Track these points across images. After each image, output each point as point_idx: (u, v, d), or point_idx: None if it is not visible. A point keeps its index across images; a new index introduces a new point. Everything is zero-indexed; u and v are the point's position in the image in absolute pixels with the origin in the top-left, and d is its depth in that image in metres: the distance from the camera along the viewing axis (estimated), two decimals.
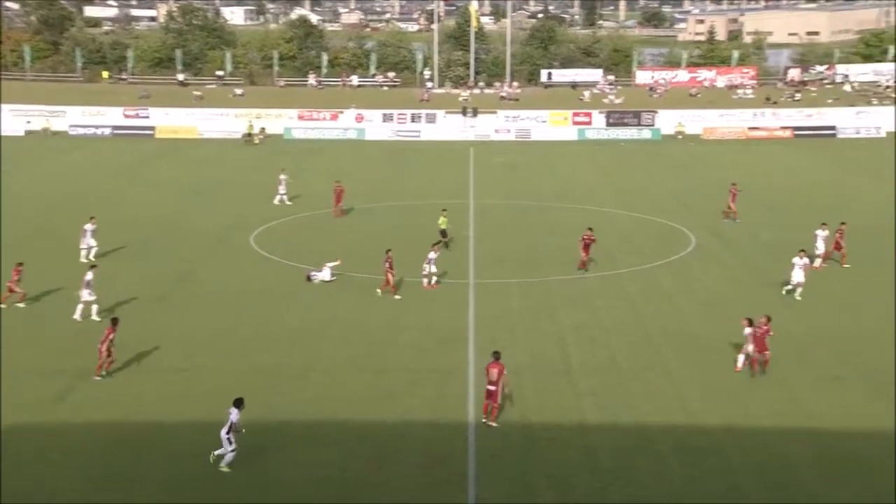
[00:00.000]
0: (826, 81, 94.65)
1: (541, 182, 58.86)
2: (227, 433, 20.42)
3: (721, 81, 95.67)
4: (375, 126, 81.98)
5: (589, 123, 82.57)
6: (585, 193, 54.21)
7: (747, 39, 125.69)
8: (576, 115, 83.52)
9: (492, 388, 22.47)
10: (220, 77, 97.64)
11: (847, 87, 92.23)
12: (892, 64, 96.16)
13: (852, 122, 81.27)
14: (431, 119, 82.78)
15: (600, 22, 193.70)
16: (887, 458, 20.90)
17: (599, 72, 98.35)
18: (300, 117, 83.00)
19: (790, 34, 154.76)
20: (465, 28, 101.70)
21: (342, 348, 28.22)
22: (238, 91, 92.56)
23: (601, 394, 24.74)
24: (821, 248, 36.47)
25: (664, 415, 23.41)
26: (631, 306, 32.42)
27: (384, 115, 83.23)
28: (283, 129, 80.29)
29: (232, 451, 20.39)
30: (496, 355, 22.85)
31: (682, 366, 26.72)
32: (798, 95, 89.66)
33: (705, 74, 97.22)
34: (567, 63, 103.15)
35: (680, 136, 79.70)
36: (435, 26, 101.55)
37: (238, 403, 20.80)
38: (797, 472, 20.52)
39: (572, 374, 26.17)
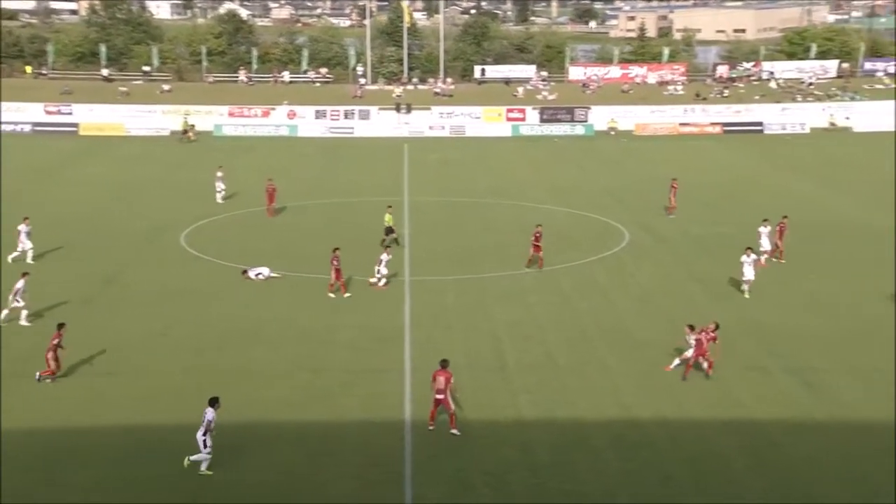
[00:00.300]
0: (753, 78, 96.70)
1: (475, 178, 59.15)
2: (204, 434, 20.19)
3: (652, 78, 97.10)
4: (308, 123, 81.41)
5: (523, 120, 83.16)
6: (520, 190, 54.64)
7: (677, 36, 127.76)
8: (510, 111, 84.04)
9: (439, 396, 22.16)
10: (146, 73, 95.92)
11: (773, 84, 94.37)
12: (815, 62, 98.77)
13: (778, 118, 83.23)
14: (365, 116, 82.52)
15: (533, 18, 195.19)
16: (809, 447, 21.65)
17: (532, 68, 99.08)
18: (231, 114, 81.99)
19: (718, 31, 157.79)
20: (397, 24, 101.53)
21: (278, 348, 28.07)
22: (166, 87, 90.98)
23: (537, 390, 25.03)
24: (765, 244, 36.86)
25: (599, 410, 23.79)
26: (566, 302, 32.82)
27: (317, 111, 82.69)
28: (213, 126, 79.24)
29: (207, 453, 20.20)
30: (444, 363, 22.60)
31: (616, 361, 27.16)
32: (727, 92, 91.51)
33: (637, 71, 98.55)
34: (500, 59, 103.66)
35: (612, 132, 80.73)
36: (367, 22, 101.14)
37: (213, 403, 20.61)
38: (727, 462, 21.06)
39: (508, 372, 26.43)
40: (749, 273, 32.76)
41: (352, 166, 64.20)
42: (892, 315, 30.51)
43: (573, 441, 22.08)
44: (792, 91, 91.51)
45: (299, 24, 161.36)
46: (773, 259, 37.31)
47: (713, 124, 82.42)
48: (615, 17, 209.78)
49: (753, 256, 33.23)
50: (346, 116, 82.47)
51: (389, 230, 40.16)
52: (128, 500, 19.35)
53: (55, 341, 25.23)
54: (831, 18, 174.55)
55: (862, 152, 68.43)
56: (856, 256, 38.45)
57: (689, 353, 25.68)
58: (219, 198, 49.47)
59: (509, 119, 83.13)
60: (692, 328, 25.86)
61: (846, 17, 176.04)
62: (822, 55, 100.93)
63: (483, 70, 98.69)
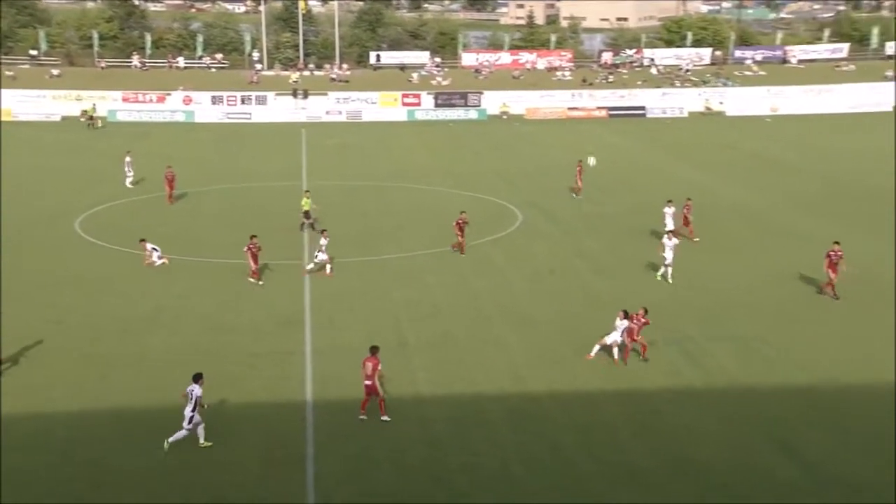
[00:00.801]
0: (635, 65, 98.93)
1: (374, 162, 58.97)
2: (192, 410, 20.18)
3: (541, 64, 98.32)
4: (205, 108, 79.70)
5: (418, 104, 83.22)
6: (418, 173, 54.71)
7: (564, 24, 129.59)
8: (405, 96, 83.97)
9: (368, 382, 21.87)
10: (33, 57, 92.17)
11: (653, 71, 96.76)
12: (691, 49, 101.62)
13: (659, 102, 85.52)
14: (262, 101, 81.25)
15: (426, 5, 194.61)
16: (689, 413, 22.38)
17: (426, 54, 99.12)
18: (125, 99, 79.69)
19: (602, 20, 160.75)
20: (292, 10, 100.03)
21: (178, 334, 27.50)
22: (55, 72, 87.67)
23: (435, 367, 25.22)
24: (669, 224, 36.96)
25: (495, 384, 24.11)
26: (463, 282, 33.08)
27: (213, 97, 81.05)
28: (106, 111, 76.77)
29: (187, 431, 20.18)
30: (373, 350, 22.23)
31: (512, 337, 27.53)
32: (611, 77, 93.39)
33: (527, 57, 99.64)
34: (395, 45, 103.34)
35: (505, 117, 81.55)
36: (262, 8, 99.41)
37: (197, 378, 20.54)
38: (615, 430, 21.63)
39: (407, 350, 26.54)
40: (669, 256, 32.25)
41: (250, 151, 63.18)
42: (768, 287, 31.75)
43: (470, 415, 22.36)
44: (671, 77, 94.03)
45: (193, 10, 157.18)
46: (684, 238, 37.69)
47: (599, 108, 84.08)
48: (505, 5, 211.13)
49: (675, 241, 32.64)
50: (243, 102, 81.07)
51: (307, 214, 39.55)
52: (34, 488, 18.75)
53: None
54: (705, 9, 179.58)
55: (734, 135, 70.79)
56: (733, 234, 39.84)
57: (612, 338, 25.22)
58: (128, 182, 48.36)
59: (405, 104, 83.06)
60: (626, 314, 25.31)
61: (718, 7, 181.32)
62: (697, 43, 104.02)
63: (378, 56, 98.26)
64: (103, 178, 48.73)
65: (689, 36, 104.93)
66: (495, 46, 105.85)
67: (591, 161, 33.30)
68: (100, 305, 29.94)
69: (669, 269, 32.55)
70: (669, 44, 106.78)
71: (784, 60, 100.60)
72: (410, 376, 24.65)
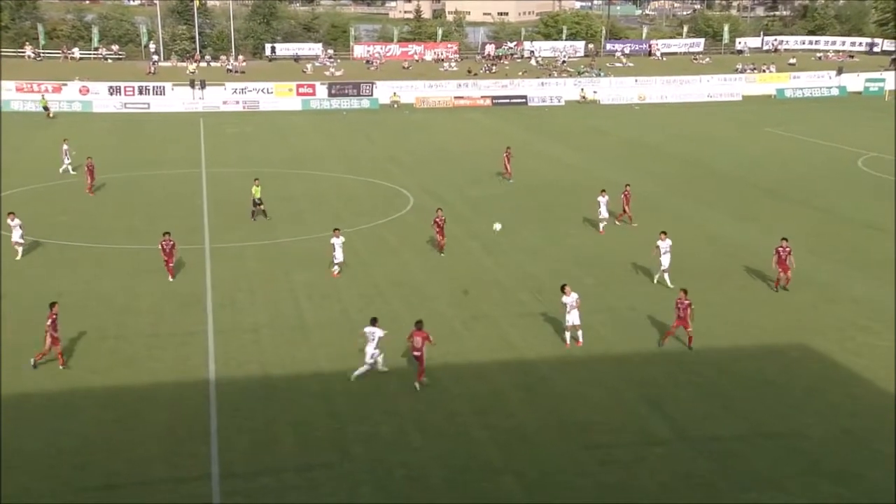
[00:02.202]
0: (516, 56, 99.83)
1: (271, 150, 57.78)
2: (375, 348, 22.21)
3: (429, 55, 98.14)
4: (102, 99, 76.50)
5: (313, 94, 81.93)
6: (314, 160, 53.90)
7: (449, 18, 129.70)
8: (300, 86, 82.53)
9: (416, 353, 22.07)
10: None
11: (533, 62, 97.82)
12: (567, 42, 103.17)
13: (539, 92, 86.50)
14: (160, 91, 78.49)
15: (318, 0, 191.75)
16: (572, 379, 22.77)
17: (319, 46, 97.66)
18: (19, 89, 75.66)
19: (485, 14, 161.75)
20: (187, 3, 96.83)
21: (79, 319, 26.28)
22: None
23: (335, 344, 24.91)
24: (604, 213, 36.34)
25: (392, 358, 23.90)
26: (360, 262, 32.75)
27: (111, 87, 77.85)
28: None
29: (369, 366, 22.21)
30: (419, 324, 22.30)
31: (407, 313, 27.35)
32: (494, 68, 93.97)
33: (415, 49, 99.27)
34: (289, 38, 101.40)
35: (395, 105, 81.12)
36: (157, 1, 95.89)
37: (374, 321, 22.47)
38: (505, 397, 21.82)
39: (307, 329, 26.14)
40: (665, 261, 29.26)
41: (150, 141, 61.03)
42: (639, 261, 32.52)
43: (369, 388, 22.17)
44: (549, 68, 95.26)
45: (87, 2, 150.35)
46: (622, 223, 37.64)
47: (484, 97, 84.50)
48: (393, 0, 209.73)
49: (669, 241, 29.23)
50: (140, 92, 78.17)
51: (257, 202, 38.28)
52: None
53: (49, 322, 22.68)
54: (578, 5, 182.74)
55: (608, 121, 72.26)
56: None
57: (570, 321, 24.44)
58: (70, 169, 47.08)
59: (300, 94, 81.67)
60: (564, 288, 24.61)
61: (590, 4, 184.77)
62: (572, 37, 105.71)
63: (273, 48, 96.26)
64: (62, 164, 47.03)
65: (565, 30, 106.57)
66: (385, 39, 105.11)
67: (497, 227, 31.78)
68: None
69: (666, 275, 29.42)
70: (547, 37, 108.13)
71: (649, 53, 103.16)
72: (311, 353, 24.29)
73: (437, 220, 33.34)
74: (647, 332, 25.85)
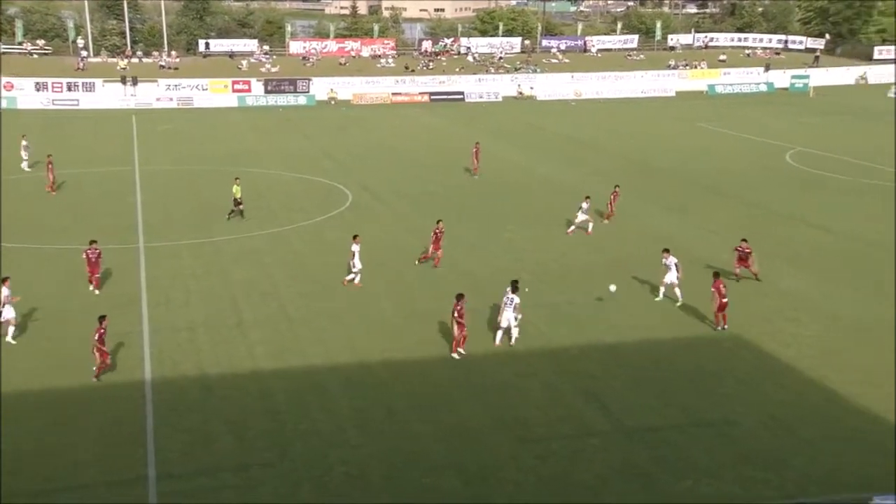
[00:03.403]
0: (453, 53, 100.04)
1: (207, 147, 56.94)
2: (515, 311, 23.96)
3: (366, 51, 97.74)
4: (28, 95, 74.49)
5: (248, 91, 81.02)
6: (251, 157, 53.28)
7: (386, 14, 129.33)
8: (235, 83, 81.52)
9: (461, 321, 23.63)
10: None
11: (470, 58, 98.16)
12: (503, 39, 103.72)
13: (476, 88, 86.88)
14: (90, 88, 76.73)
15: None
16: (510, 372, 22.98)
17: (255, 42, 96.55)
18: None
19: (421, 10, 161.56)
20: None
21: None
22: None
23: (273, 342, 24.70)
24: (581, 217, 35.87)
25: (332, 356, 23.87)
26: (299, 260, 32.54)
27: (37, 83, 75.85)
28: None
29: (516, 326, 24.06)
30: (459, 296, 23.71)
31: (347, 309, 27.32)
32: (431, 64, 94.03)
33: (351, 45, 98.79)
34: (223, 34, 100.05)
35: (333, 102, 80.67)
36: None
37: (515, 287, 24.29)
38: (446, 392, 21.89)
39: (244, 327, 25.86)
40: (671, 276, 27.87)
41: (80, 138, 59.64)
42: (579, 256, 32.91)
43: (308, 386, 22.05)
44: (486, 64, 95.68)
45: None
46: (606, 222, 37.67)
47: (422, 94, 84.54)
48: None
49: (674, 259, 27.99)
50: (69, 89, 76.32)
51: (237, 202, 37.61)
52: None
53: (96, 336, 21.86)
54: (514, 1, 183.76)
55: (544, 117, 72.91)
56: (550, 207, 40.89)
57: (504, 319, 24.40)
58: (25, 166, 46.64)
59: (235, 90, 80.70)
60: (515, 288, 24.63)
61: (525, 0, 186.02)
62: (508, 33, 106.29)
63: (207, 44, 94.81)
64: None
65: (501, 26, 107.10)
66: (321, 35, 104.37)
67: (612, 288, 29.10)
68: None
69: (678, 290, 27.85)
70: (483, 33, 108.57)
71: (585, 49, 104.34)
72: (249, 351, 24.04)
73: (437, 231, 31.56)
74: (585, 326, 26.17)
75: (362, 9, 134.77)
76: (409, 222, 38.12)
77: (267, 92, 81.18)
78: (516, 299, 24.34)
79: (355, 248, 29.05)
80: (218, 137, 61.37)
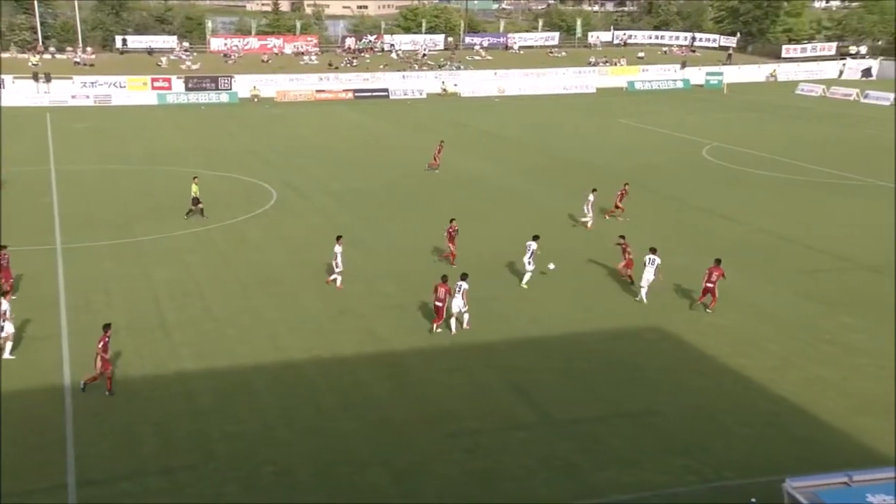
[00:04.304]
0: (377, 50, 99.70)
1: (127, 146, 55.56)
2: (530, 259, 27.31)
3: (289, 49, 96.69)
4: None
5: (169, 88, 79.31)
6: (172, 155, 52.20)
7: (308, 11, 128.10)
8: (154, 80, 79.72)
9: (438, 304, 24.67)
10: None
11: (394, 55, 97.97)
12: (427, 36, 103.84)
13: (400, 85, 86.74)
14: None
15: None
16: (437, 368, 23.02)
17: (174, 38, 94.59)
18: None
19: (344, 7, 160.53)
20: None
21: None
22: None
23: (197, 343, 24.27)
24: (588, 211, 36.30)
25: (258, 355, 23.59)
26: (223, 259, 32.03)
27: None
28: None
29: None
30: (444, 278, 24.92)
31: (272, 308, 27.03)
32: (355, 62, 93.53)
33: (274, 42, 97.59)
34: (141, 30, 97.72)
35: (256, 99, 79.60)
36: None
37: (536, 238, 27.55)
38: (372, 389, 21.82)
39: (168, 328, 25.35)
40: (648, 275, 27.76)
41: None
42: (505, 251, 33.12)
43: (234, 386, 21.75)
44: (410, 61, 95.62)
45: None
46: (610, 217, 37.78)
47: (346, 91, 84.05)
48: None
49: (657, 260, 27.72)
50: None
51: (195, 201, 36.65)
52: None
53: (101, 344, 20.77)
54: None
55: (468, 114, 73.13)
56: (478, 203, 41.09)
57: (455, 305, 24.85)
58: None
59: (155, 88, 78.94)
60: (443, 279, 25.20)
61: None
62: (431, 30, 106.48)
63: (124, 40, 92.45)
64: None
65: (424, 23, 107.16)
66: (243, 32, 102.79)
67: (551, 266, 30.04)
68: None
69: (644, 290, 27.90)
70: (407, 30, 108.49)
71: (507, 47, 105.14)
72: (173, 352, 23.58)
73: (450, 230, 31.48)
74: (511, 321, 26.40)
75: (284, 6, 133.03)
76: (334, 220, 37.88)
77: (188, 89, 79.61)
78: (465, 286, 24.86)
79: (338, 249, 28.66)
80: (138, 136, 59.94)
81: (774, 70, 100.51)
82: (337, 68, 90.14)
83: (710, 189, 44.62)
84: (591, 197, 36.75)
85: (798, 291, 28.79)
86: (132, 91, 77.62)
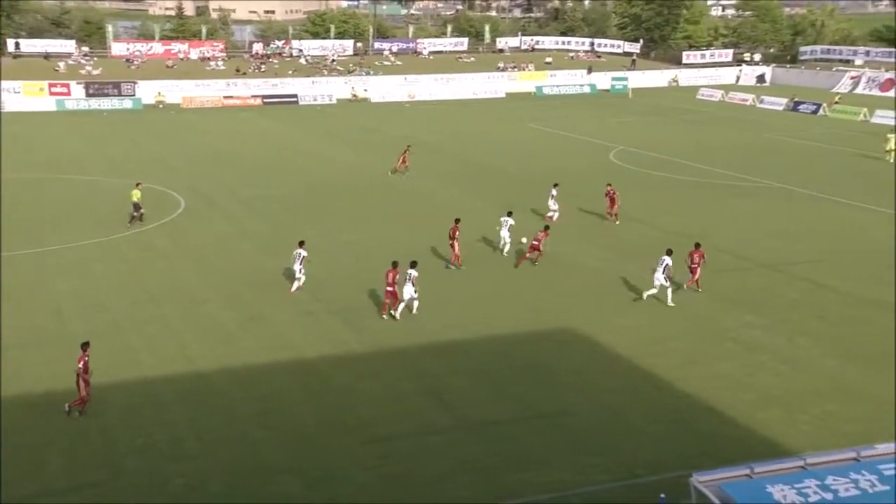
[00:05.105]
0: (285, 55, 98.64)
1: (24, 154, 53.52)
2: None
3: (194, 54, 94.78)
4: None
5: (68, 94, 76.83)
6: (74, 164, 50.58)
7: (214, 15, 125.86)
8: (52, 85, 77.08)
9: (389, 289, 25.93)
10: None
11: (303, 61, 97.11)
12: (336, 41, 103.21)
13: (309, 90, 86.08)
14: None
15: None
16: (351, 375, 22.89)
17: (72, 43, 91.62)
18: None
19: (251, 12, 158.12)
20: None
21: None
22: None
23: (104, 356, 23.42)
24: (552, 205, 37.94)
25: (166, 366, 23.04)
26: (130, 269, 31.18)
27: None
28: None
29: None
30: (394, 263, 25.98)
31: (180, 318, 26.45)
32: (263, 67, 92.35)
33: (179, 47, 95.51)
34: (36, 33, 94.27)
35: (161, 106, 77.76)
36: None
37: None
38: (285, 397, 21.51)
39: (72, 342, 24.42)
40: (659, 278, 27.93)
41: None
42: (421, 255, 33.10)
43: (142, 399, 21.20)
44: (319, 66, 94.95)
45: None
46: (608, 219, 38.43)
47: (254, 97, 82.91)
48: None
49: (668, 262, 27.93)
50: None
51: (136, 206, 35.56)
52: None
53: (80, 364, 19.52)
54: (345, 3, 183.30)
55: (379, 119, 72.98)
56: (394, 207, 41.02)
57: (406, 292, 26.32)
58: None
59: (53, 93, 76.35)
60: (393, 268, 26.33)
61: (356, 3, 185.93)
62: (340, 35, 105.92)
63: (17, 44, 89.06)
64: None
65: (333, 28, 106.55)
66: (146, 37, 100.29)
67: (524, 240, 31.68)
68: None
69: (648, 293, 28.25)
70: (315, 36, 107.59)
71: (416, 52, 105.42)
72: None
73: (453, 230, 31.41)
74: (425, 324, 26.43)
75: (189, 10, 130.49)
76: (244, 227, 37.30)
77: (89, 95, 77.24)
78: (415, 273, 26.14)
79: (302, 253, 28.41)
80: (36, 143, 57.84)
81: (676, 75, 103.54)
82: (245, 74, 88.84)
83: (618, 192, 45.53)
84: (553, 191, 38.50)
85: (704, 290, 29.69)
86: (28, 97, 74.87)
